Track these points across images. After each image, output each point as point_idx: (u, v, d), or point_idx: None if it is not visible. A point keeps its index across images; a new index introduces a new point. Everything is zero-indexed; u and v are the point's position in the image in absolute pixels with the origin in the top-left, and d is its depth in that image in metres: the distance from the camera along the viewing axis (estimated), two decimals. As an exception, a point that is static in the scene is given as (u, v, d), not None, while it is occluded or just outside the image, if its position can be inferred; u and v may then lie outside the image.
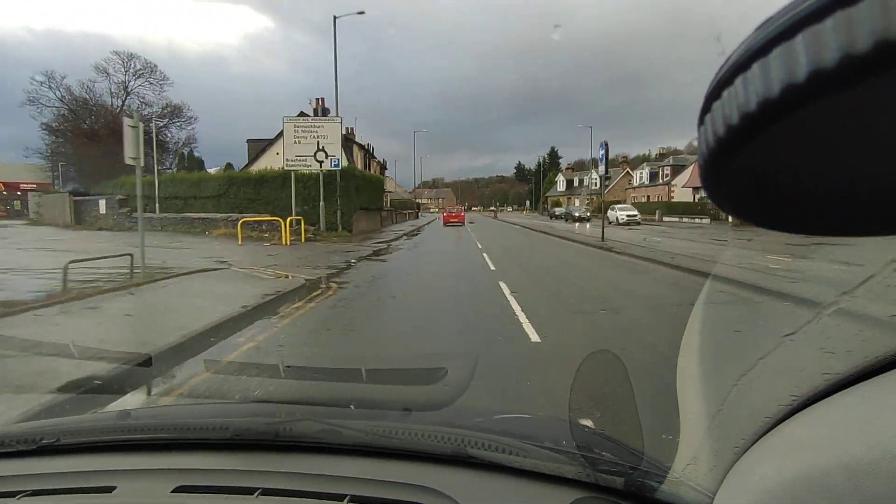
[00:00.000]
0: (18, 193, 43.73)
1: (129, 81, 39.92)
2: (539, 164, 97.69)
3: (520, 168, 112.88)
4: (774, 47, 0.22)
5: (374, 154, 38.30)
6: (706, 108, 0.26)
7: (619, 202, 42.61)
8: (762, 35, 0.23)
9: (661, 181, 49.03)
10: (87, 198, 25.82)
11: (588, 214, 40.65)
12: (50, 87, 37.44)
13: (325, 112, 23.00)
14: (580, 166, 77.98)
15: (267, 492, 0.83)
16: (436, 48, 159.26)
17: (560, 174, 76.66)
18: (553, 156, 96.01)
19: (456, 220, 34.62)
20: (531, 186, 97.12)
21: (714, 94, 0.26)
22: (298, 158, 19.16)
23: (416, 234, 23.65)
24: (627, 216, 32.87)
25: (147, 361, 3.63)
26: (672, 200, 43.71)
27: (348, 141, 23.72)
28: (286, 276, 8.64)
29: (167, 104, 41.35)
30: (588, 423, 1.23)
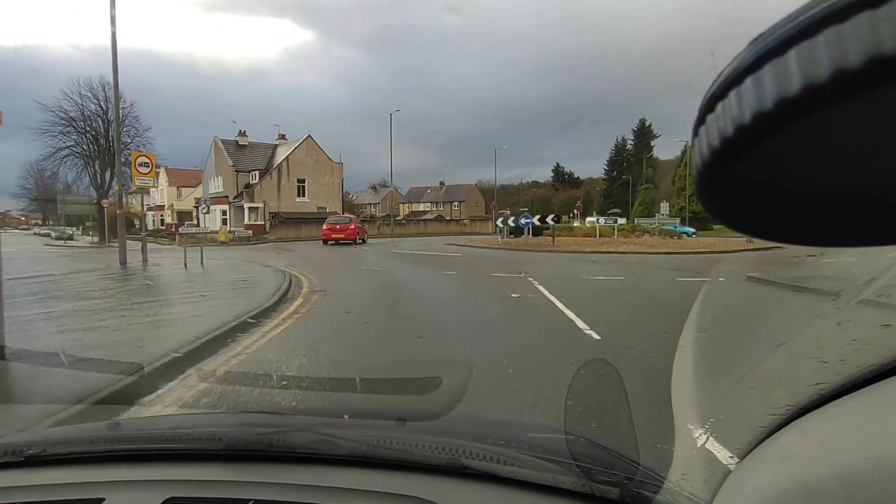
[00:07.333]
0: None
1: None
2: (619, 147, 63.22)
3: (559, 172, 79.29)
4: (766, 63, 0.23)
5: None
6: (701, 120, 0.27)
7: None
8: (754, 51, 0.23)
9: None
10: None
11: None
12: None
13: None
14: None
15: (259, 503, 0.81)
16: (474, 59, 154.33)
17: None
18: (643, 133, 62.14)
19: (341, 235, 24.73)
20: (590, 190, 67.50)
21: (708, 106, 0.26)
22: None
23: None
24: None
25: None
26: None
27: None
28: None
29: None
30: (583, 433, 1.23)
